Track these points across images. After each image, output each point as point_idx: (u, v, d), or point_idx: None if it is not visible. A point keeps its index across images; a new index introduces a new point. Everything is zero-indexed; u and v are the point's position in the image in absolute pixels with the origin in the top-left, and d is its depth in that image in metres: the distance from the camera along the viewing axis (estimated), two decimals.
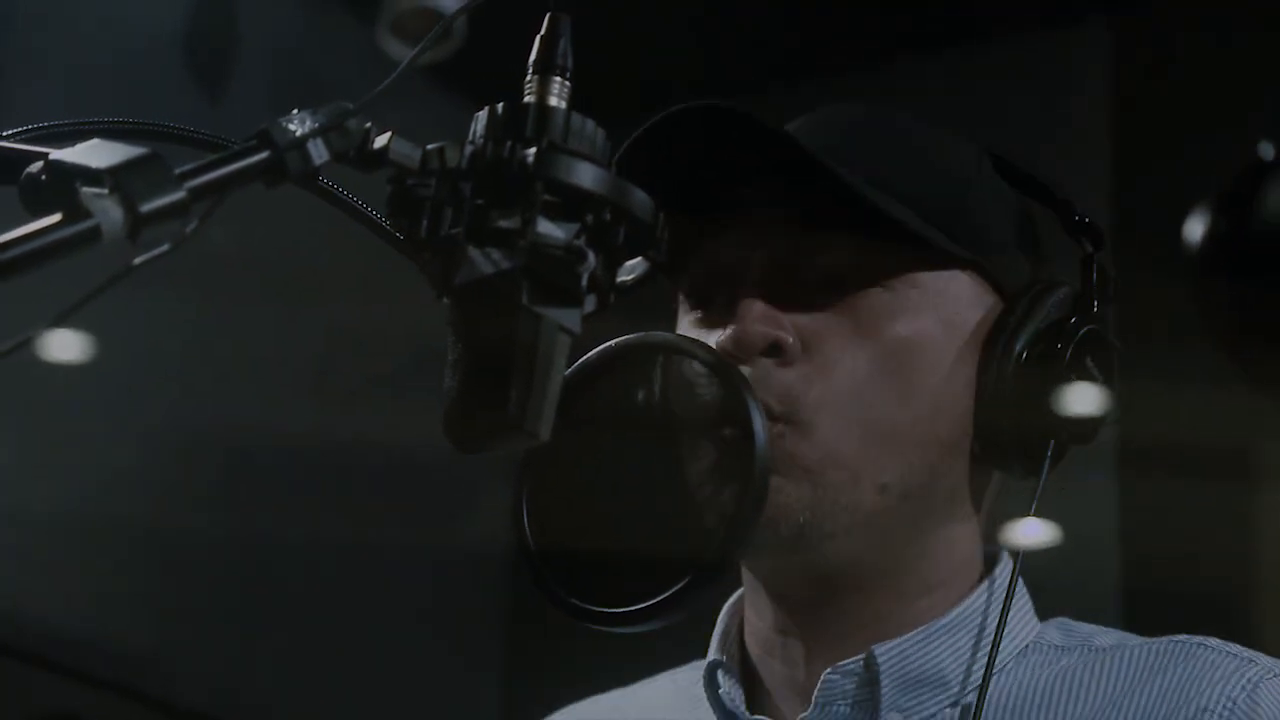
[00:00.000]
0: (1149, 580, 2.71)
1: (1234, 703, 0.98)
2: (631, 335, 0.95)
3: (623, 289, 0.77)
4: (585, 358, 0.94)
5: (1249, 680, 1.00)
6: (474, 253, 0.73)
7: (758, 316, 1.00)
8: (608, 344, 0.95)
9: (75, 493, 2.66)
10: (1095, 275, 1.07)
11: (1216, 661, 1.01)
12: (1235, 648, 1.03)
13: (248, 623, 2.92)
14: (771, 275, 1.02)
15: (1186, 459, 2.68)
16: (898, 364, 1.02)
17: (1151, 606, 2.69)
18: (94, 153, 0.68)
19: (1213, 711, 0.98)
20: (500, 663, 3.38)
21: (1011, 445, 1.04)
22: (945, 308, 1.04)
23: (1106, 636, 1.07)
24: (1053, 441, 1.03)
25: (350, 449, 2.99)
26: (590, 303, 0.75)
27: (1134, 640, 1.06)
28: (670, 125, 0.99)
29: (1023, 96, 3.10)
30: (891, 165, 1.04)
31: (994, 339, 1.04)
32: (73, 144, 0.70)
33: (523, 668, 3.33)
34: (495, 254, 0.73)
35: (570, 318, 0.74)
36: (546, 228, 0.73)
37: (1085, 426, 1.05)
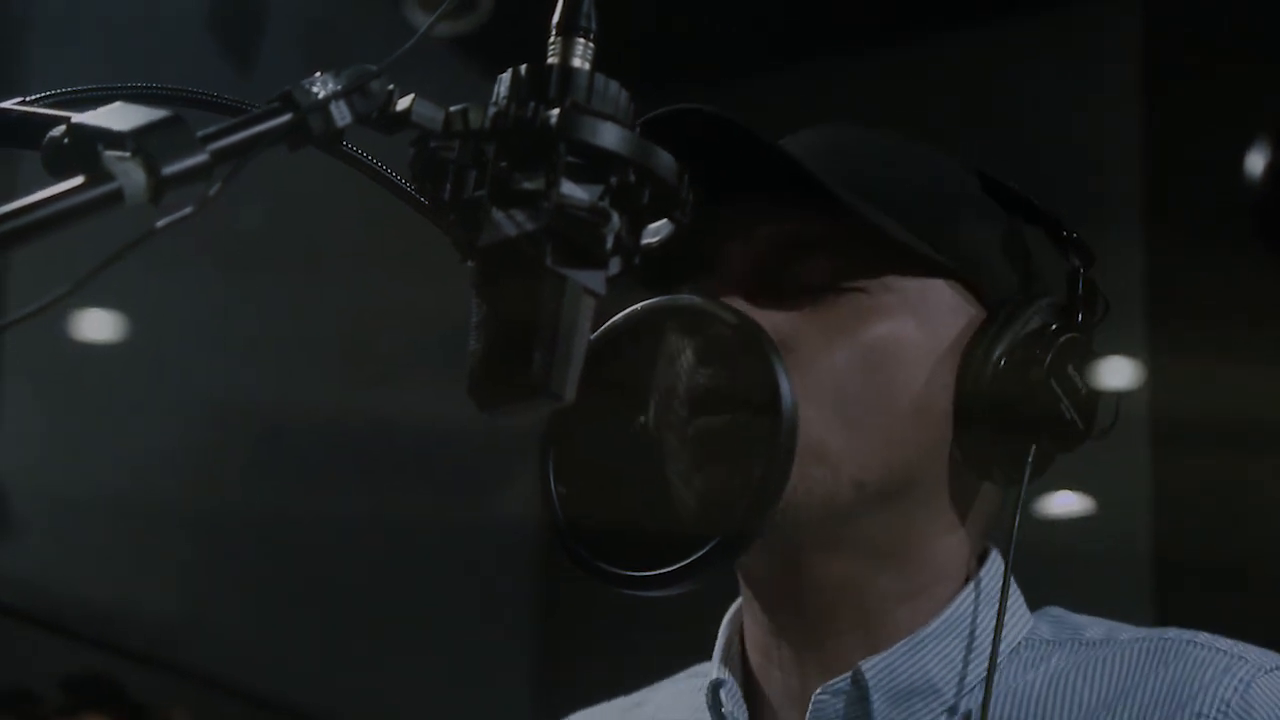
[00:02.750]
0: (1181, 550, 2.71)
1: (1228, 705, 0.98)
2: (657, 298, 0.94)
3: (647, 251, 0.77)
4: (611, 321, 0.94)
5: (1240, 680, 0.99)
6: (498, 215, 0.73)
7: None
8: (633, 307, 0.94)
9: (109, 467, 2.68)
10: (1082, 289, 1.06)
11: (1207, 660, 1.00)
12: (1225, 643, 1.02)
13: (280, 595, 2.93)
14: (749, 278, 1.03)
15: (1219, 428, 2.67)
16: (874, 363, 1.01)
17: (1184, 577, 2.68)
18: (116, 116, 0.68)
19: (1206, 716, 0.98)
20: (532, 635, 3.39)
21: (991, 451, 1.03)
22: (924, 313, 1.03)
23: (1096, 628, 1.06)
24: (1034, 448, 1.02)
25: (383, 424, 2.99)
26: (614, 265, 0.75)
27: (1124, 634, 1.05)
28: (653, 127, 0.98)
29: (1053, 58, 3.08)
30: (875, 176, 1.04)
31: (974, 345, 1.03)
32: (95, 108, 0.70)
33: (554, 640, 3.34)
34: (519, 216, 0.73)
35: (594, 279, 0.74)
36: (570, 189, 0.73)
37: (1067, 434, 1.04)
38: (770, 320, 1.01)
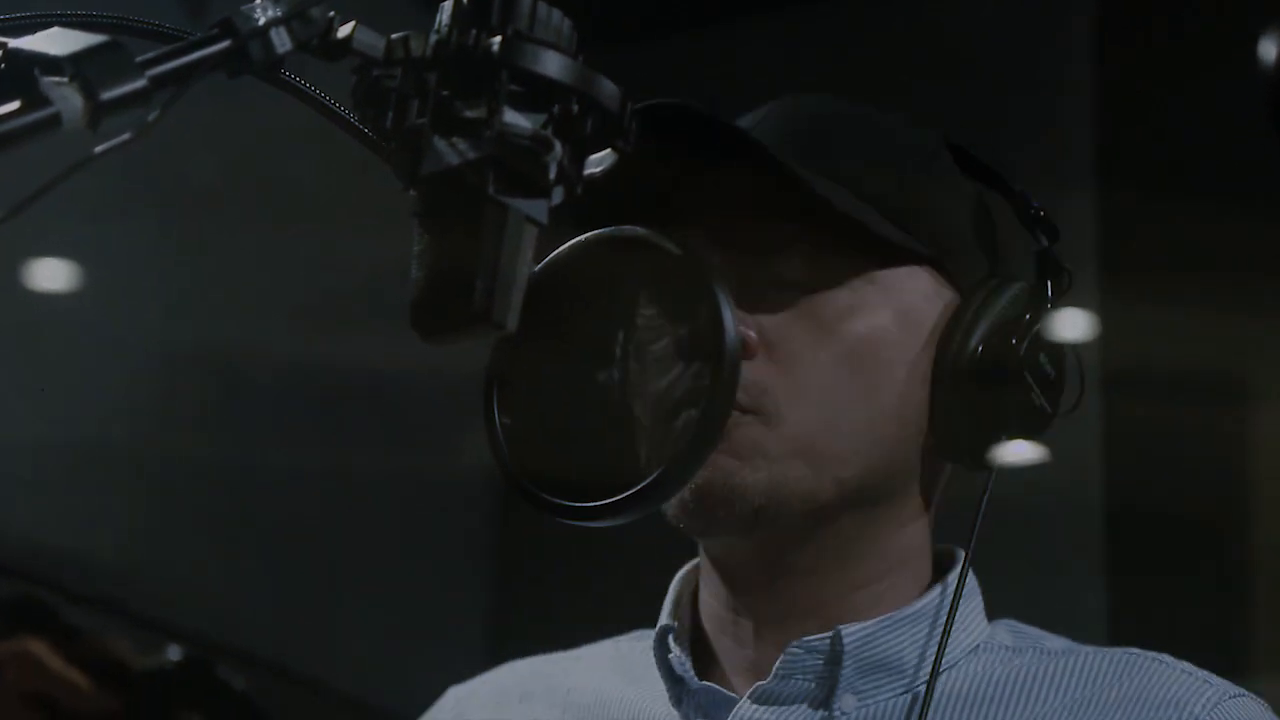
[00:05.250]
0: (1132, 501, 2.73)
1: None
2: (601, 229, 0.94)
3: (591, 181, 0.77)
4: (554, 253, 0.94)
5: (1209, 700, 1.01)
6: (439, 143, 0.73)
7: None
8: (576, 239, 0.94)
9: (63, 414, 2.67)
10: (1049, 268, 1.08)
11: (1173, 678, 1.03)
12: (1190, 667, 1.05)
13: (235, 543, 2.92)
14: (732, 275, 1.01)
15: (1170, 379, 2.69)
16: (859, 362, 1.02)
17: (1134, 527, 2.70)
18: (53, 41, 0.68)
19: None
20: (488, 584, 3.40)
21: (964, 439, 1.05)
22: (903, 304, 1.04)
23: (1056, 641, 1.09)
24: (1004, 436, 1.04)
25: (341, 372, 2.99)
26: (558, 194, 0.75)
27: (1085, 647, 1.07)
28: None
29: (1008, 6, 3.07)
30: (849, 161, 1.04)
31: (949, 333, 1.04)
32: (33, 34, 0.69)
33: (510, 590, 3.35)
34: (461, 144, 0.73)
35: (537, 209, 0.74)
36: (513, 117, 0.73)
37: (1036, 421, 1.05)
38: (754, 318, 1.02)
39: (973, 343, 1.03)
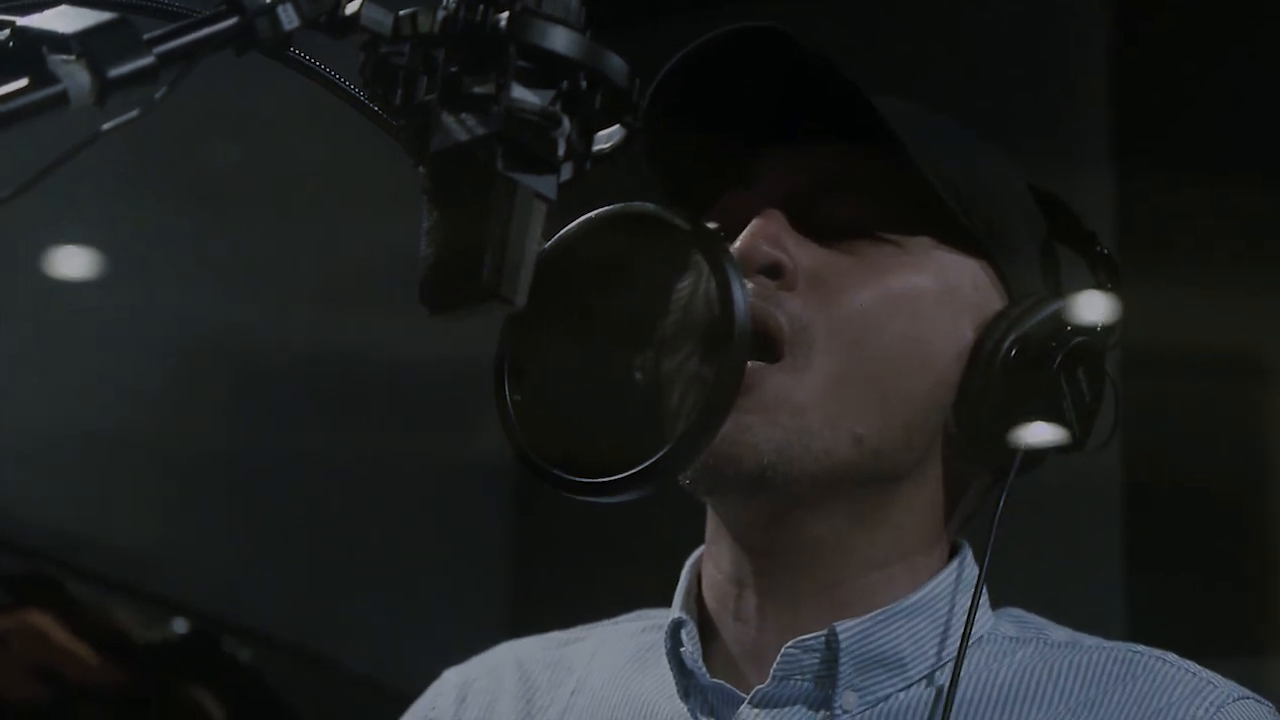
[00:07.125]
0: (1151, 479, 2.72)
1: None
2: (611, 206, 0.94)
3: (599, 157, 0.77)
4: (564, 230, 0.94)
5: (1212, 703, 1.01)
6: (448, 120, 0.73)
7: (764, 236, 1.01)
8: (586, 215, 0.94)
9: (83, 401, 2.68)
10: (1104, 302, 1.09)
11: (1176, 678, 1.03)
12: (1195, 667, 1.04)
13: (257, 528, 2.93)
14: (789, 207, 1.03)
15: (1191, 363, 2.68)
16: (895, 314, 1.02)
17: (1153, 506, 2.70)
18: (61, 18, 0.68)
19: None
20: (507, 566, 3.40)
21: (987, 434, 1.04)
22: (951, 281, 1.05)
23: (1060, 632, 1.08)
24: (1025, 439, 1.03)
25: (361, 356, 2.99)
26: (566, 170, 0.75)
27: (1088, 640, 1.06)
28: (720, 44, 1.00)
29: None
30: (933, 142, 1.04)
31: (994, 323, 1.04)
32: (40, 12, 0.69)
33: (529, 573, 3.35)
34: (470, 120, 0.73)
35: (546, 184, 0.74)
36: (521, 93, 0.73)
37: (1061, 436, 1.04)
38: (800, 251, 1.02)
39: (1015, 334, 1.03)
